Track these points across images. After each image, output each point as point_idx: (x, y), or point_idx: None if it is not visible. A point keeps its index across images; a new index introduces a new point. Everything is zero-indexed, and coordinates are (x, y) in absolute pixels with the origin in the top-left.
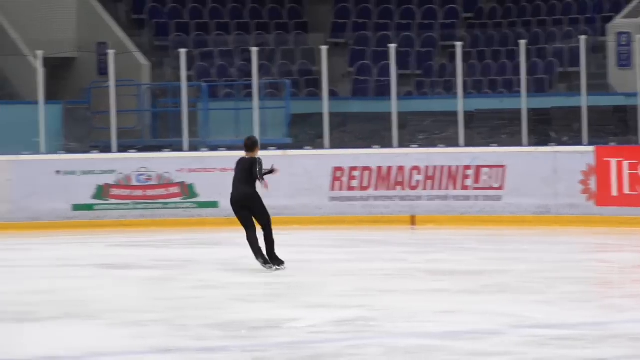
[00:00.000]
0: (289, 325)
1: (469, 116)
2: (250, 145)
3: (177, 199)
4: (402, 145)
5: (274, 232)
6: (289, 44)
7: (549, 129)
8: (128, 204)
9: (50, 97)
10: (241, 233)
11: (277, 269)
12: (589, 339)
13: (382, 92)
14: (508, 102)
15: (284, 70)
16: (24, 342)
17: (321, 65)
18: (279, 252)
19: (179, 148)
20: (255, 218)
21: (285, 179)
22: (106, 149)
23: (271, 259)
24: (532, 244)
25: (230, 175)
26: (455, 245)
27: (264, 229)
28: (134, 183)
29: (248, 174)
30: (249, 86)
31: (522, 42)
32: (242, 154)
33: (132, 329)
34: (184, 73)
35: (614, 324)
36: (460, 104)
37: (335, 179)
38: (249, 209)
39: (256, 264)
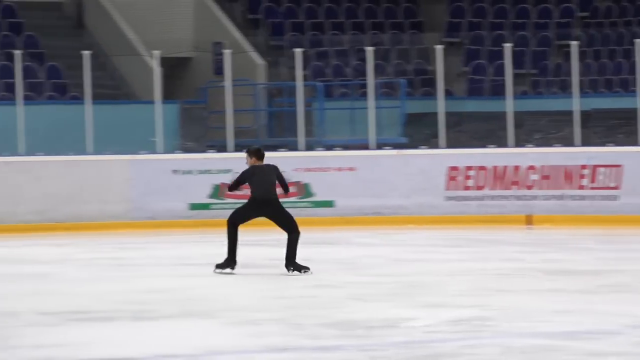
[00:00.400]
0: (406, 324)
1: (585, 115)
2: (263, 155)
3: (293, 199)
4: (518, 144)
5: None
6: (404, 43)
7: None
8: (243, 203)
9: (167, 96)
10: (356, 232)
11: (301, 272)
12: None
13: (498, 91)
14: (624, 101)
15: (399, 69)
16: (142, 341)
17: (436, 65)
18: (392, 251)
19: (294, 147)
20: (282, 224)
21: (400, 179)
22: (222, 148)
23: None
24: None
25: (345, 174)
26: (572, 245)
27: (291, 233)
28: None
29: (274, 181)
30: (364, 86)
31: (638, 41)
32: (356, 153)
33: (247, 328)
34: (299, 72)
35: None
36: (576, 104)
37: (451, 178)
38: (272, 214)
39: (377, 263)
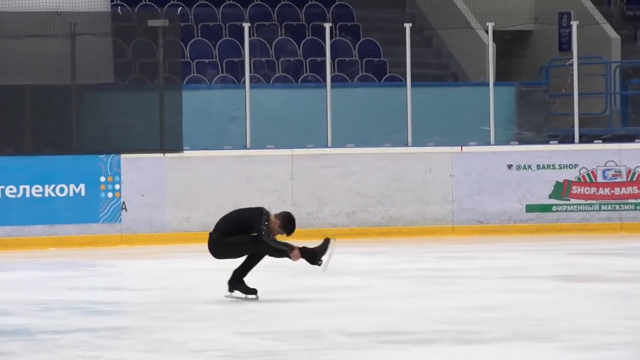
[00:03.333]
0: None
1: None
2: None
3: None
4: None
5: None
6: None
7: None
8: (592, 204)
9: (502, 77)
10: None
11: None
12: None
13: None
14: None
15: None
16: None
17: None
18: None
19: None
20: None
21: None
22: (567, 139)
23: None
24: None
25: None
26: None
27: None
28: (600, 180)
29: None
30: None
31: None
32: None
33: (594, 353)
34: None
35: None
36: None
37: None
38: None
39: None
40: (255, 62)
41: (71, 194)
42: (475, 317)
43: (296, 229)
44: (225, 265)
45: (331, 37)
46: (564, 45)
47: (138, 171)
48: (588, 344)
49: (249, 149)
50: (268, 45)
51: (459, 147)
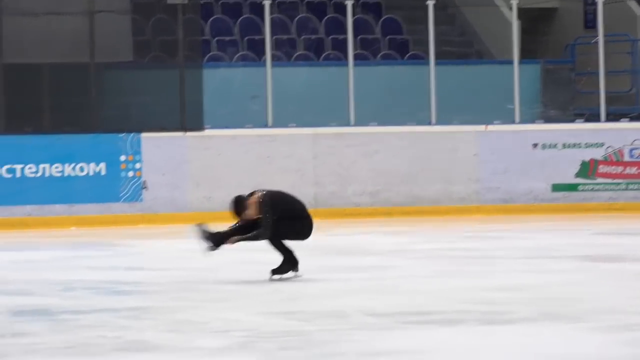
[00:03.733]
0: None
1: None
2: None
3: None
4: None
5: None
6: None
7: None
8: (619, 184)
9: (527, 55)
10: None
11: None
12: None
13: None
14: None
15: None
16: (491, 348)
17: None
18: None
19: None
20: None
21: None
22: (593, 117)
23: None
24: None
25: None
26: None
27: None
28: (627, 159)
29: None
30: None
31: None
32: None
33: (621, 334)
34: None
35: None
36: None
37: None
38: None
39: None
40: (276, 40)
41: (91, 173)
42: (500, 297)
43: (318, 208)
44: (246, 246)
45: (353, 15)
46: (590, 23)
47: (159, 150)
48: (615, 325)
49: (270, 127)
50: (289, 23)
51: (484, 126)
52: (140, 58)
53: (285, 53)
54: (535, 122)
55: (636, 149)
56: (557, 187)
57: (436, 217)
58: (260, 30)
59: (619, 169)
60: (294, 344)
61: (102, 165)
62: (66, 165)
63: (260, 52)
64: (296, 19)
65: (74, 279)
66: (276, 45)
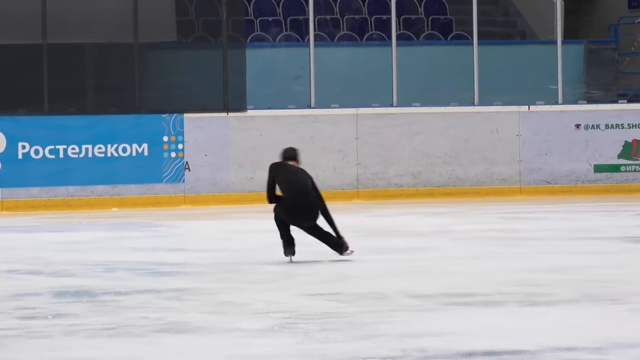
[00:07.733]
0: None
1: None
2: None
3: None
4: None
5: None
6: None
7: None
8: None
9: (570, 35)
10: None
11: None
12: None
13: None
14: None
15: None
16: (533, 330)
17: None
18: None
19: None
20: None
21: None
22: (636, 98)
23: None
24: None
25: None
26: None
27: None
28: None
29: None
30: None
31: None
32: None
33: None
34: None
35: None
36: None
37: None
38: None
39: None
40: (319, 20)
41: (134, 154)
42: (542, 278)
43: (360, 189)
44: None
45: None
46: (633, 2)
47: (201, 131)
48: None
49: (313, 108)
50: (332, 3)
51: (527, 107)
52: (183, 38)
53: (328, 33)
54: (578, 102)
55: None
56: (599, 168)
57: (478, 198)
58: (303, 10)
59: None
60: (335, 325)
61: (145, 146)
62: (109, 146)
63: (304, 33)
64: None
65: (116, 260)
66: (319, 25)
